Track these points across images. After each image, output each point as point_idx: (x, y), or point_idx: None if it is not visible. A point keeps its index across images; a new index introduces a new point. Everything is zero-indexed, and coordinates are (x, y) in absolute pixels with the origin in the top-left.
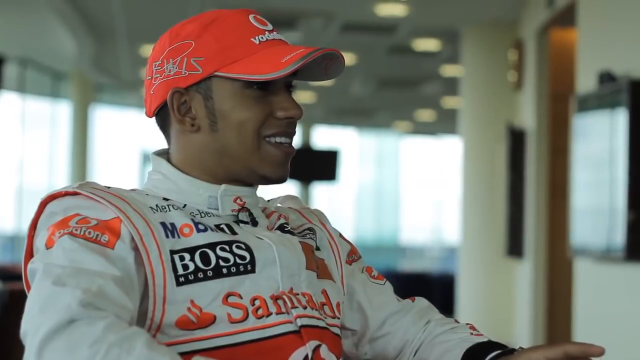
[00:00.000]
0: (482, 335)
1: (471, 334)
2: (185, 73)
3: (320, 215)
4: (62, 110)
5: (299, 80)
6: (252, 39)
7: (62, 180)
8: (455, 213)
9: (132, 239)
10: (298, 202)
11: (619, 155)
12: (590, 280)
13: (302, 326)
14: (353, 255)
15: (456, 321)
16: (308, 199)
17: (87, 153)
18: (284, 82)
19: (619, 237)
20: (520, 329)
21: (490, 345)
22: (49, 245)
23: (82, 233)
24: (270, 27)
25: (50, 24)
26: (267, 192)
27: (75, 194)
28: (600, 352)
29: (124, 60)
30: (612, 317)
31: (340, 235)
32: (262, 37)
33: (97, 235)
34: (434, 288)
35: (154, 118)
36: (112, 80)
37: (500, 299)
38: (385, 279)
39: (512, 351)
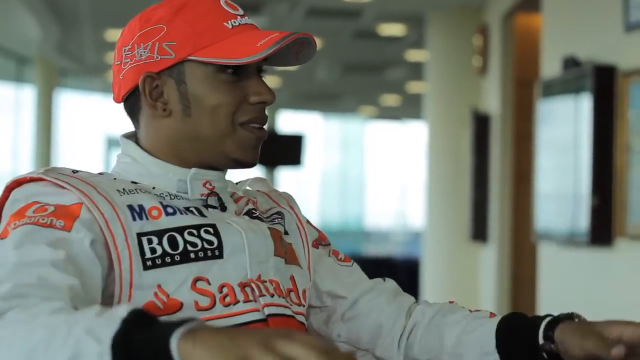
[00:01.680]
0: (480, 310)
1: (470, 311)
2: (158, 57)
3: (289, 199)
4: (26, 95)
5: (269, 66)
6: (224, 24)
7: (26, 165)
8: (420, 198)
9: (95, 223)
10: (266, 185)
11: (583, 140)
12: (554, 264)
13: (270, 315)
14: (321, 240)
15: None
16: (273, 183)
17: (51, 138)
18: (256, 66)
19: (583, 221)
20: None
21: (524, 317)
22: (2, 236)
23: (36, 221)
24: (241, 11)
25: (14, 8)
26: (234, 175)
27: (39, 179)
28: None
29: (89, 45)
30: (576, 301)
31: (308, 221)
32: (234, 22)
33: (52, 220)
34: (399, 272)
35: (122, 104)
36: (76, 65)
37: (465, 283)
38: (352, 261)
39: (568, 316)
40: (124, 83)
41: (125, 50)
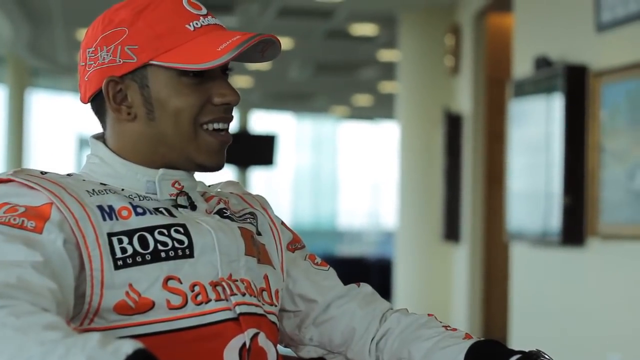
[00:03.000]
0: (457, 330)
1: (446, 328)
2: (120, 61)
3: (262, 201)
4: None
5: (235, 62)
6: (186, 26)
7: None
8: (393, 198)
9: (66, 223)
10: (239, 188)
11: (555, 140)
12: (526, 264)
13: (241, 314)
14: (296, 243)
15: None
16: (245, 183)
17: (23, 138)
18: (221, 67)
19: (555, 221)
20: (457, 312)
21: (497, 345)
22: None
23: (7, 221)
24: (204, 11)
25: None
26: (206, 177)
27: (8, 181)
28: None
29: (60, 45)
30: (548, 300)
31: (283, 223)
32: (196, 23)
33: (23, 221)
34: (372, 272)
35: (89, 104)
36: (48, 64)
37: (437, 283)
38: (329, 266)
39: (536, 355)
40: (89, 85)
41: (89, 52)
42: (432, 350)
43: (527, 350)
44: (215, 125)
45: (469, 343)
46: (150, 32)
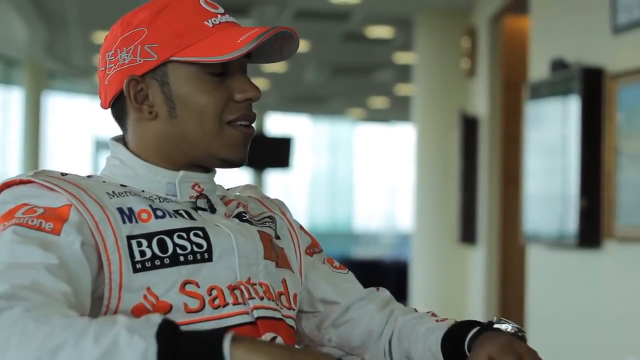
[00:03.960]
0: (446, 319)
1: (436, 321)
2: (140, 60)
3: (280, 205)
4: (14, 98)
5: (252, 64)
6: (205, 22)
7: (14, 167)
8: (409, 200)
9: (85, 225)
10: (258, 192)
11: (571, 142)
12: (542, 266)
13: (259, 318)
14: (314, 247)
15: (416, 310)
16: (262, 186)
17: (39, 140)
18: (240, 64)
19: (571, 224)
20: (473, 315)
21: (463, 325)
22: None
23: (25, 222)
24: (221, 10)
25: (1, 10)
26: (224, 179)
27: (29, 182)
28: None
29: (77, 47)
30: (565, 303)
31: (301, 227)
32: (214, 20)
33: (41, 222)
34: (388, 275)
35: (109, 109)
36: (64, 67)
37: (454, 285)
38: (347, 269)
39: (489, 324)
40: (109, 88)
41: (108, 55)
42: (415, 328)
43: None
44: (239, 123)
45: (451, 323)
46: (170, 30)
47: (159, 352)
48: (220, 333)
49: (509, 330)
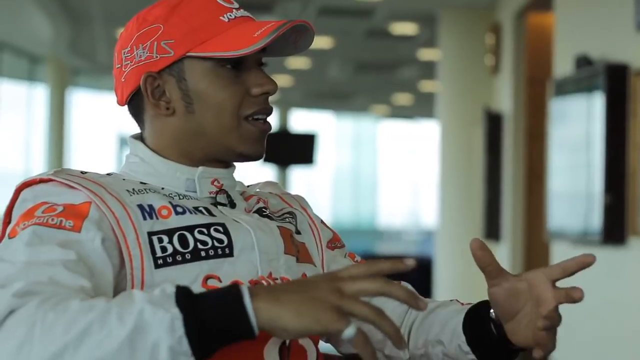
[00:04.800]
0: (471, 303)
1: (462, 304)
2: (157, 57)
3: (301, 200)
4: (39, 94)
5: (274, 60)
6: (220, 18)
7: (38, 164)
8: (433, 196)
9: (105, 221)
10: (278, 188)
11: (595, 139)
12: None
13: None
14: (336, 242)
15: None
16: (285, 182)
17: (63, 137)
18: (256, 58)
19: (596, 220)
20: None
21: (485, 303)
22: (11, 235)
23: (45, 221)
24: (236, 5)
25: (26, 8)
26: (246, 176)
27: (49, 180)
28: (592, 259)
29: (101, 44)
30: (589, 300)
31: (322, 221)
32: (230, 15)
33: (61, 221)
34: (411, 271)
35: (126, 106)
36: (88, 63)
37: (477, 282)
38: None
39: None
40: (126, 85)
41: (124, 52)
42: (437, 312)
43: None
44: (257, 117)
45: (465, 310)
46: (186, 26)
47: (185, 320)
48: (237, 291)
49: None
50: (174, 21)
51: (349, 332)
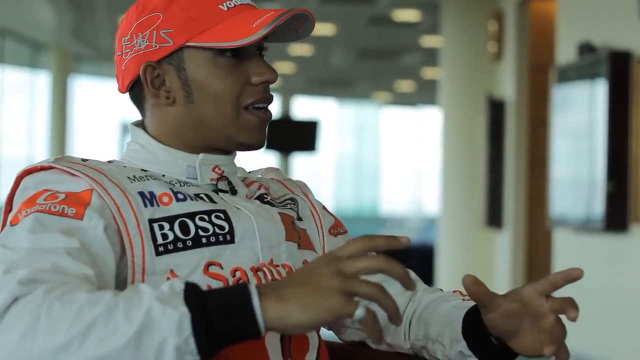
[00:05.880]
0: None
1: (463, 299)
2: (156, 46)
3: (302, 186)
4: (41, 81)
5: (277, 47)
6: (220, 6)
7: (41, 151)
8: (435, 184)
9: (107, 209)
10: (280, 174)
11: (598, 126)
12: (569, 250)
13: None
14: (338, 228)
15: (441, 291)
16: (287, 169)
17: (66, 124)
18: (256, 46)
19: (598, 207)
20: None
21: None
22: (13, 223)
23: (47, 209)
24: None
25: None
26: (248, 163)
27: (50, 168)
28: (579, 273)
29: (103, 31)
30: (591, 287)
31: (324, 207)
32: (229, 4)
33: (63, 208)
34: (414, 258)
35: (127, 93)
36: (91, 50)
37: (480, 269)
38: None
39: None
40: (126, 73)
41: (124, 40)
42: (438, 307)
43: None
44: (257, 105)
45: (464, 311)
46: (185, 15)
47: (193, 319)
48: (244, 291)
49: None
50: (173, 10)
51: (359, 313)
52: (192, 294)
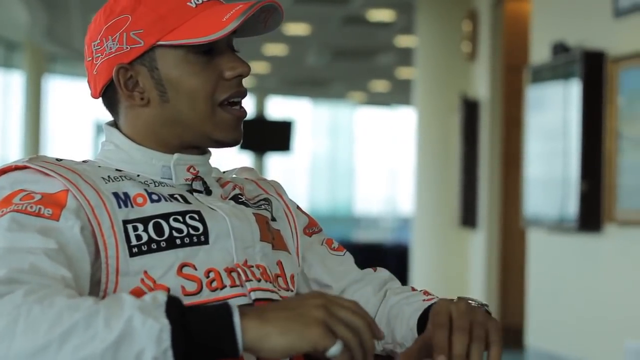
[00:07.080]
0: (433, 298)
1: (424, 300)
2: (127, 48)
3: (277, 186)
4: (15, 81)
5: (251, 44)
6: (188, 4)
7: (15, 151)
8: (409, 183)
9: (82, 210)
10: (254, 174)
11: (572, 126)
12: (543, 250)
13: (256, 299)
14: (313, 227)
15: (413, 289)
16: (262, 169)
17: (40, 124)
18: (227, 42)
19: (572, 207)
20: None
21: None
22: None
23: (23, 209)
24: None
25: None
26: (223, 162)
27: (24, 167)
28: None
29: (77, 30)
30: (565, 287)
31: (298, 207)
32: (197, 0)
33: (40, 208)
34: (388, 258)
35: (100, 99)
36: (65, 50)
37: (454, 269)
38: (345, 250)
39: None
40: (98, 78)
41: (94, 45)
42: (402, 309)
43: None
44: (232, 100)
45: (435, 301)
46: (154, 15)
47: (173, 332)
48: (226, 308)
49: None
50: (142, 10)
51: (335, 349)
52: (174, 307)
